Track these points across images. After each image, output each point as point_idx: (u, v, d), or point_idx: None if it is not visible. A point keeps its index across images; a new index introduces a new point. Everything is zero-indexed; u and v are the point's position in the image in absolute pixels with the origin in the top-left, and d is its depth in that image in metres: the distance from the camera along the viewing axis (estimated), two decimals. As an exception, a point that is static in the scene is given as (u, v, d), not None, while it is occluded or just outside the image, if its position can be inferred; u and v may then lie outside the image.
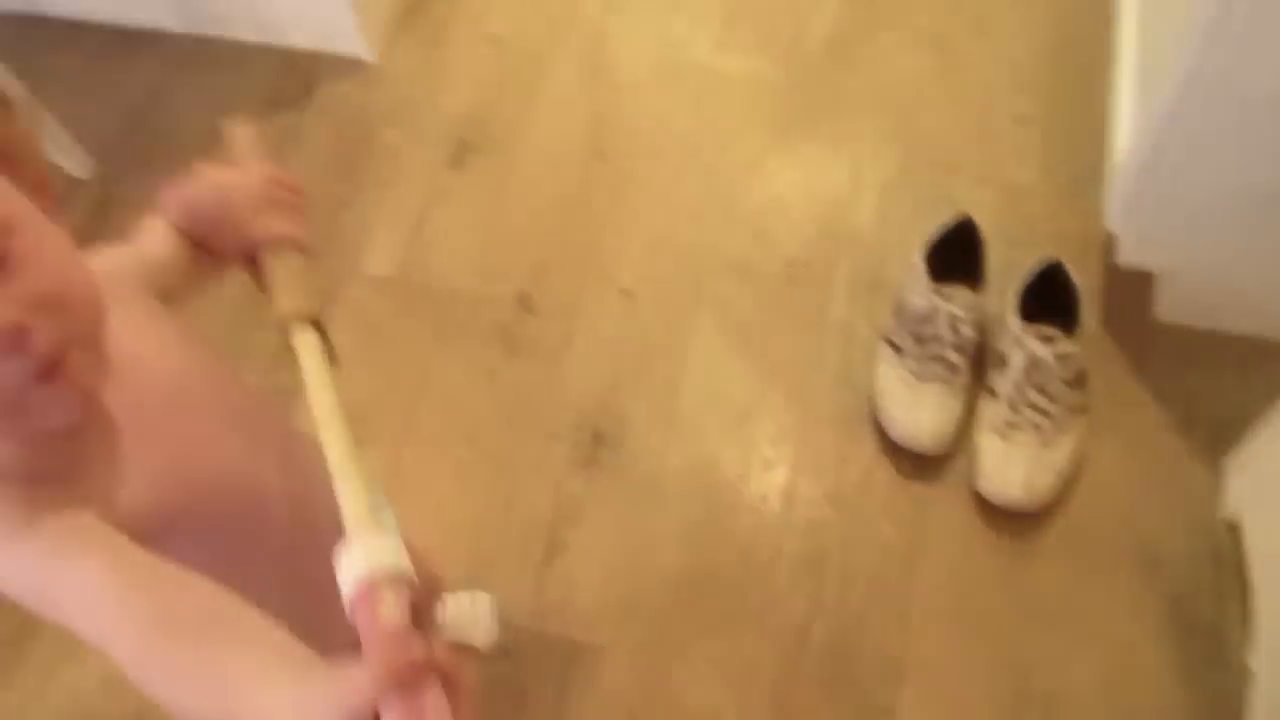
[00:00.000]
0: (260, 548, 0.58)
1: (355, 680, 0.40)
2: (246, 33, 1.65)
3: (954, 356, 1.19)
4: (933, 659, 1.11)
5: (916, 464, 1.20)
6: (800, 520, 1.19)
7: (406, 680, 0.39)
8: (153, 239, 0.61)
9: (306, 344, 0.55)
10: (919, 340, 1.21)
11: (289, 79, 1.62)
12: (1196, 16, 0.96)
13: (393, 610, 0.42)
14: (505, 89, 1.58)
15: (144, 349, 0.54)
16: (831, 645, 1.12)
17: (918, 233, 1.26)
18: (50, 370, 0.46)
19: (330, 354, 0.56)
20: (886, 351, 1.24)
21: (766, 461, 1.23)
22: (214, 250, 0.62)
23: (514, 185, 1.49)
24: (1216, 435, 1.17)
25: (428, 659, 0.40)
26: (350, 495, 0.48)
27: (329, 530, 0.47)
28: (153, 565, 0.47)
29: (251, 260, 0.61)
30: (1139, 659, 1.08)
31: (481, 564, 1.19)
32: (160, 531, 0.50)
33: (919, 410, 1.18)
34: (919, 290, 1.21)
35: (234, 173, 0.62)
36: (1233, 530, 1.11)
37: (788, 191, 1.43)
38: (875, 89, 1.50)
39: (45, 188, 0.52)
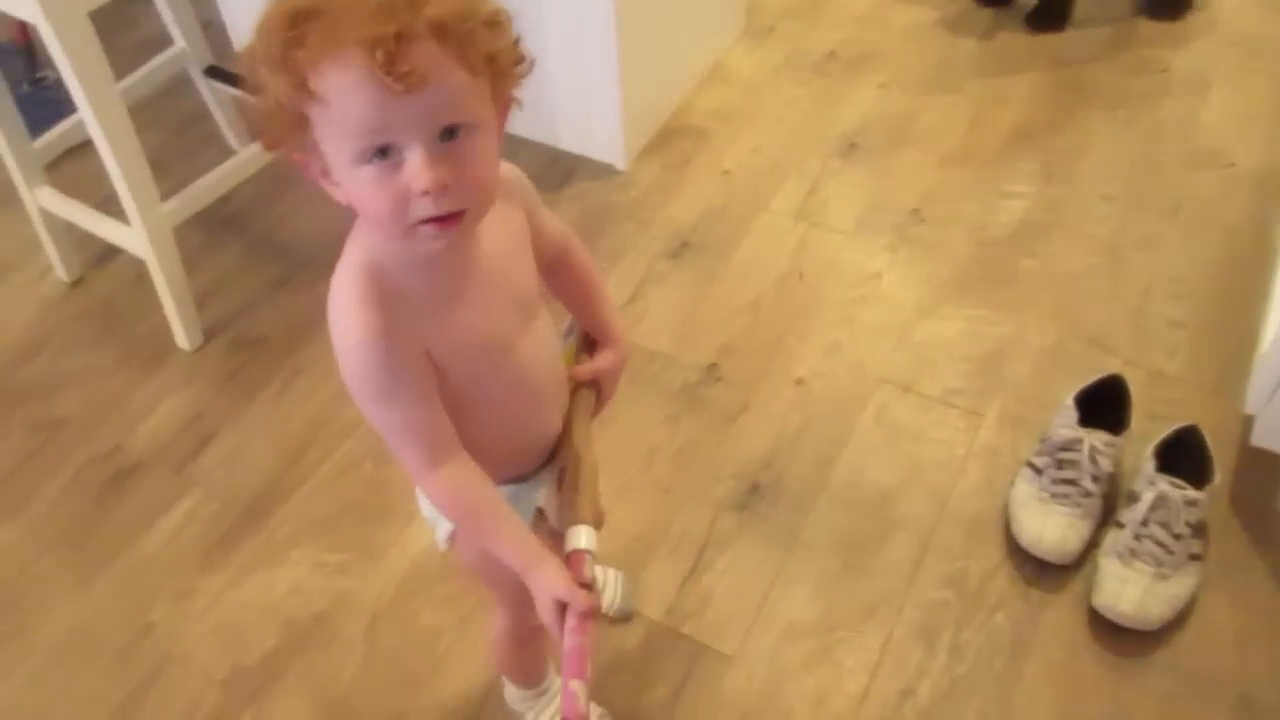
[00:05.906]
0: (499, 379, 0.82)
1: (558, 584, 0.77)
2: (524, 130, 1.99)
3: (1089, 484, 1.33)
4: (1027, 739, 1.19)
5: (1039, 571, 1.33)
6: (921, 595, 1.32)
7: (587, 613, 0.77)
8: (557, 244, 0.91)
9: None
10: (1059, 465, 1.36)
11: (552, 170, 1.95)
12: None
13: (591, 570, 0.81)
14: (728, 211, 1.86)
15: (489, 235, 0.78)
16: (932, 706, 1.22)
17: (1068, 389, 1.43)
18: (446, 220, 0.68)
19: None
20: (1027, 473, 1.39)
21: (901, 539, 1.38)
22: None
23: (719, 282, 1.74)
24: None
25: (596, 608, 0.78)
26: (587, 498, 0.87)
27: (543, 382, 0.87)
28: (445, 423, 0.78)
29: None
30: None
31: (634, 564, 1.36)
32: (449, 358, 0.77)
33: (1049, 519, 1.32)
34: (1067, 424, 1.38)
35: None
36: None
37: (956, 336, 1.63)
38: (1046, 274, 1.72)
39: (508, 104, 0.74)
